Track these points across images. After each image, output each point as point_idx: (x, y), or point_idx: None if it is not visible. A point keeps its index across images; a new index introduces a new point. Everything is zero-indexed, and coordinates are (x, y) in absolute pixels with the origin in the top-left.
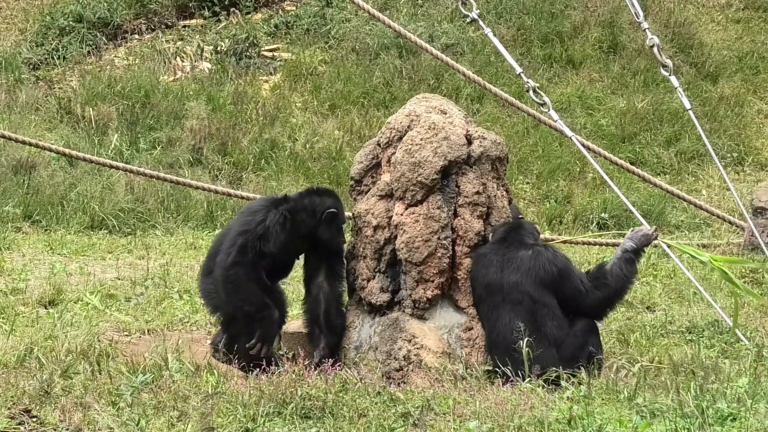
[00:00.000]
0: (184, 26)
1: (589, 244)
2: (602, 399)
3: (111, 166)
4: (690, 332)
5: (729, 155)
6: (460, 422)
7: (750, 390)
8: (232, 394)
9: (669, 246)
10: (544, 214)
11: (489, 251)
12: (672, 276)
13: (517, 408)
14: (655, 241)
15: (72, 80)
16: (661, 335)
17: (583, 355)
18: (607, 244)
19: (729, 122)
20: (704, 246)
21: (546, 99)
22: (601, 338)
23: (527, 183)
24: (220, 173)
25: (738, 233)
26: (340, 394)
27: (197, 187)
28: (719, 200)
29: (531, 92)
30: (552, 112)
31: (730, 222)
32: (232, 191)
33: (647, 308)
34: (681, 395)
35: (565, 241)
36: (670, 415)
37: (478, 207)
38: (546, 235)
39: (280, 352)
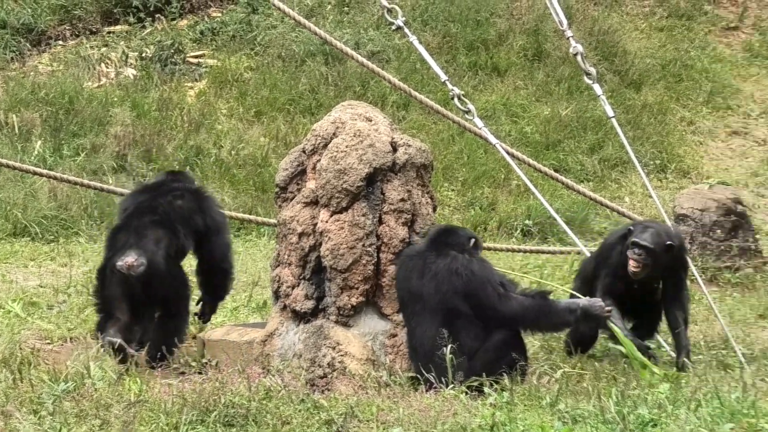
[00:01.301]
0: (109, 32)
1: (513, 251)
2: (525, 405)
3: (34, 173)
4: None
5: (652, 162)
6: (384, 429)
7: (671, 396)
8: (155, 402)
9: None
10: (469, 221)
11: (413, 256)
12: None
13: (440, 414)
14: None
15: None
16: None
17: (496, 370)
18: (531, 251)
19: (652, 130)
20: None
21: (471, 106)
22: (526, 345)
23: (452, 190)
24: (144, 180)
25: None
26: (264, 402)
27: (121, 194)
28: (642, 207)
29: (456, 99)
30: (477, 120)
31: None
32: None
33: None
34: (602, 401)
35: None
36: (592, 421)
37: (403, 214)
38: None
39: (203, 360)
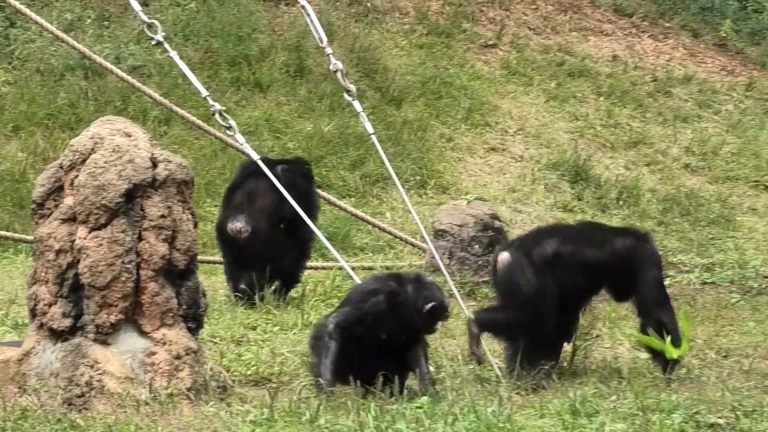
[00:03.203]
0: None
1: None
2: (285, 422)
3: None
4: None
5: (412, 179)
6: None
7: (428, 410)
8: None
9: None
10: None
11: None
12: None
13: None
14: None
15: None
16: None
17: None
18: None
19: (412, 146)
20: (387, 268)
21: (232, 122)
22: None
23: (215, 206)
24: None
25: (420, 255)
26: (20, 422)
27: None
28: (403, 222)
29: (217, 116)
30: (238, 136)
31: (412, 244)
32: None
33: None
34: (362, 416)
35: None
36: None
37: (163, 230)
38: None
39: None
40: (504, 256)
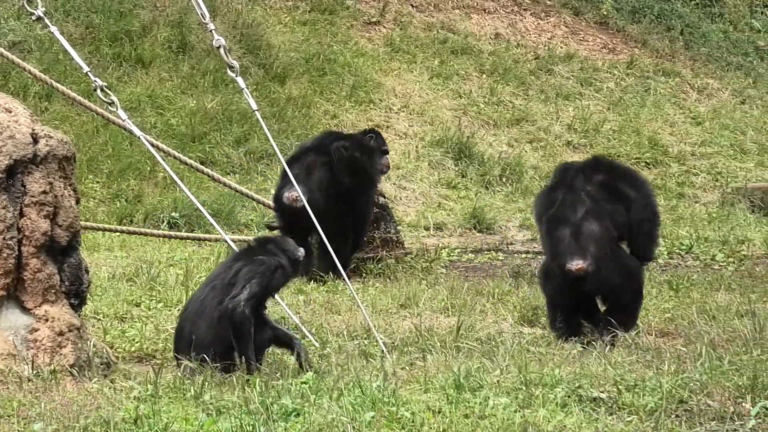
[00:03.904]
0: None
1: (163, 236)
2: (169, 398)
3: None
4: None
5: None
6: (25, 424)
7: (314, 385)
8: None
9: None
10: (114, 214)
11: None
12: None
13: (83, 408)
14: None
15: None
16: None
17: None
18: (180, 237)
19: (297, 123)
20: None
21: (114, 98)
22: None
23: (97, 182)
24: None
25: None
26: None
27: None
28: None
29: (99, 91)
30: (120, 112)
31: None
32: None
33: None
34: (247, 392)
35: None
36: (236, 412)
37: (45, 207)
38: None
39: None
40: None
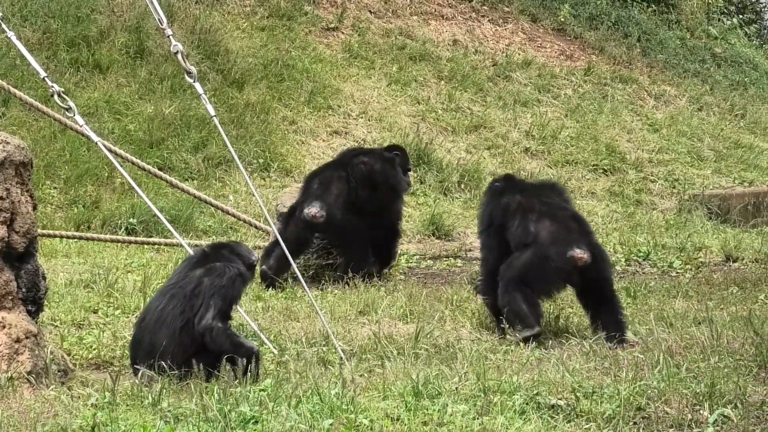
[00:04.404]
0: None
1: (119, 241)
2: (127, 405)
3: None
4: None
5: (255, 161)
6: None
7: (272, 393)
8: None
9: None
10: (72, 220)
11: None
12: None
13: (40, 416)
14: None
15: None
16: None
17: None
18: (136, 242)
19: (255, 129)
20: None
21: (71, 104)
22: None
23: (55, 188)
24: None
25: (264, 237)
26: None
27: None
28: (246, 205)
29: (56, 97)
30: (77, 117)
31: (256, 227)
32: None
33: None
34: (205, 399)
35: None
36: (194, 420)
37: (1, 213)
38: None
39: None
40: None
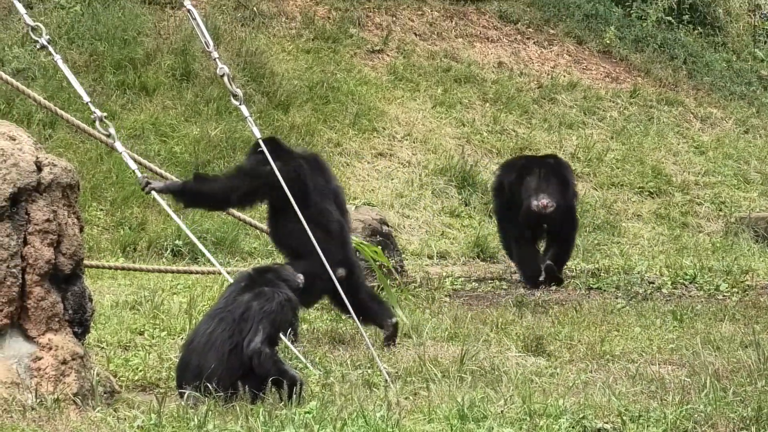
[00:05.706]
0: None
1: (161, 271)
2: (173, 427)
3: None
4: None
5: None
6: None
7: (318, 415)
8: None
9: None
10: (118, 242)
11: None
12: None
13: None
14: None
15: None
16: None
17: None
18: (178, 272)
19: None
20: None
21: (112, 130)
22: None
23: (101, 210)
24: None
25: None
26: None
27: None
28: None
29: (97, 123)
30: (117, 144)
31: None
32: None
33: None
34: (250, 421)
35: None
36: None
37: (48, 235)
38: (121, 262)
39: None
40: None
